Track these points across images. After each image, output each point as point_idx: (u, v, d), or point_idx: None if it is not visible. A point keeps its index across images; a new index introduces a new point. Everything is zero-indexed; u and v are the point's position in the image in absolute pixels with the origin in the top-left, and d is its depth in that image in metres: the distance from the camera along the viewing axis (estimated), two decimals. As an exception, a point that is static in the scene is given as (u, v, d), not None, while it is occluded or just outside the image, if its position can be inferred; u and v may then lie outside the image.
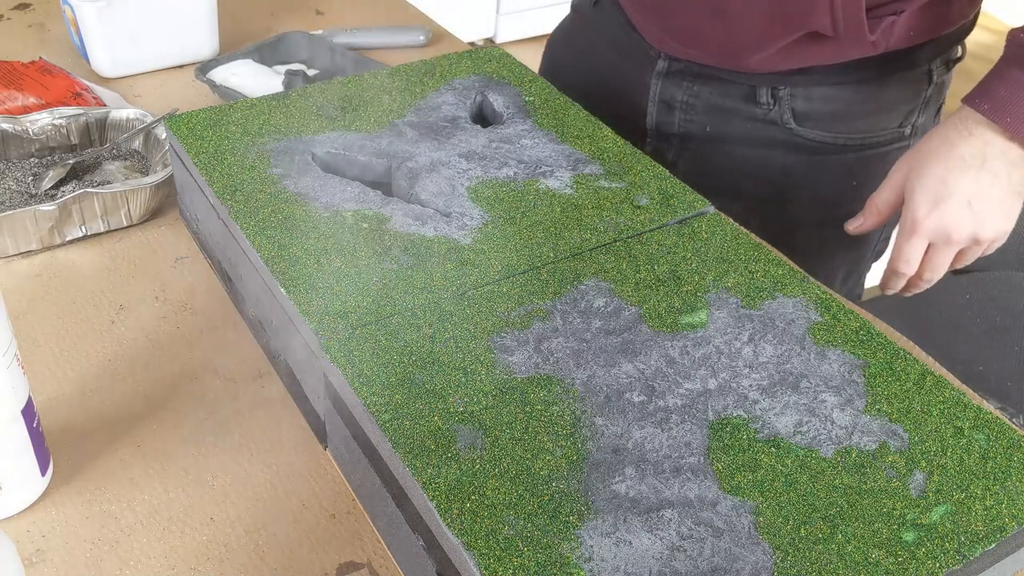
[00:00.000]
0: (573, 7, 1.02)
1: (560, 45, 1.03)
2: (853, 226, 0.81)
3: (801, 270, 0.62)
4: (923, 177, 0.74)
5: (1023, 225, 1.16)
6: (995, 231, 0.75)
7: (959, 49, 0.87)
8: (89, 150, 0.81)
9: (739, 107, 0.86)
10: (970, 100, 0.74)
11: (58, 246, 0.73)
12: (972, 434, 0.50)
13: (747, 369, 0.53)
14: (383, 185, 0.69)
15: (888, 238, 0.96)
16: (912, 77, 0.85)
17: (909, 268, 0.77)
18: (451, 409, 0.50)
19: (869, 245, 0.96)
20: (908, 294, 0.82)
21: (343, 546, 0.53)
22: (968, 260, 0.78)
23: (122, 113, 0.82)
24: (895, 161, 0.81)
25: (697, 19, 0.82)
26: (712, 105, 0.87)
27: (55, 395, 0.61)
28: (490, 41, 2.91)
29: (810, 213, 0.89)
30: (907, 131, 0.88)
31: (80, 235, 0.73)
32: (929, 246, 0.76)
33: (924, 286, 0.80)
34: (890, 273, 0.79)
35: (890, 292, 0.82)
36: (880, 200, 0.79)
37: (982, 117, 0.72)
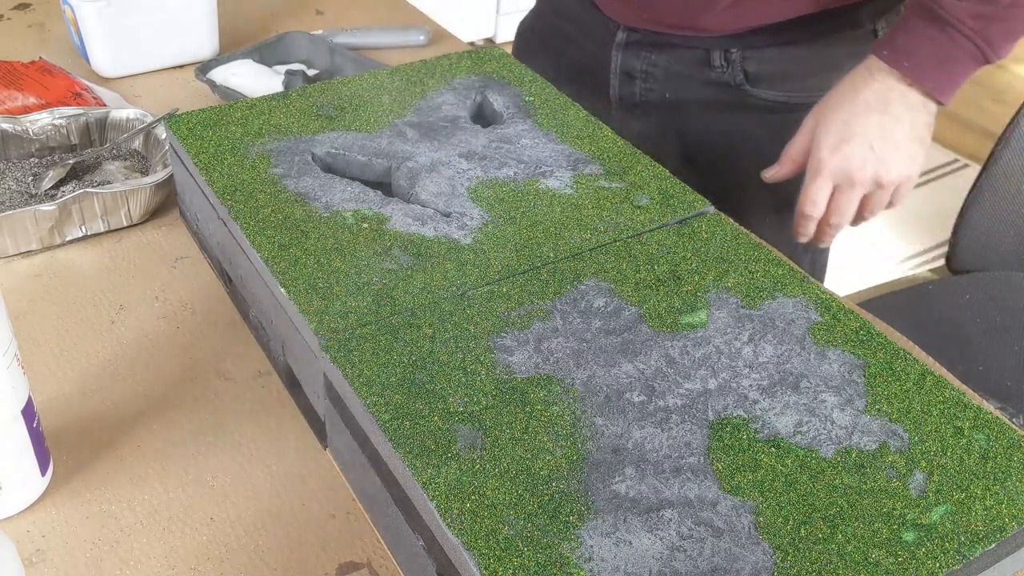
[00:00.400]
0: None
1: (527, 31, 1.08)
2: (769, 174, 0.84)
3: (801, 270, 0.62)
4: (829, 122, 0.78)
5: (1023, 225, 1.16)
6: (898, 174, 0.77)
7: (901, 8, 0.90)
8: (89, 150, 0.81)
9: (695, 72, 0.90)
10: (875, 49, 0.77)
11: (58, 246, 0.73)
12: (972, 434, 0.50)
13: (747, 369, 0.53)
14: (383, 185, 0.69)
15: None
16: (857, 36, 0.87)
17: (816, 210, 0.79)
18: (451, 409, 0.50)
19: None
20: (821, 244, 0.84)
21: (343, 546, 0.53)
22: (875, 209, 0.81)
23: (122, 113, 0.82)
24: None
25: None
26: (670, 72, 0.91)
27: (55, 395, 0.61)
28: (490, 41, 2.91)
29: (759, 170, 0.93)
30: None
31: (80, 235, 0.73)
32: (835, 190, 0.78)
33: (832, 232, 0.82)
34: (799, 216, 0.81)
35: (803, 239, 0.84)
36: (793, 149, 0.81)
37: (884, 64, 0.76)
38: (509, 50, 0.99)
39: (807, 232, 0.82)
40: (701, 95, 0.91)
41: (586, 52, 0.96)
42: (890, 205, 0.81)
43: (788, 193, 0.89)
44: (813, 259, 1.00)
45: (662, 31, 0.89)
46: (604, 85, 0.95)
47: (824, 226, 0.81)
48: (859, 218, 0.81)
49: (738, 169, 0.91)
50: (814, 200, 0.79)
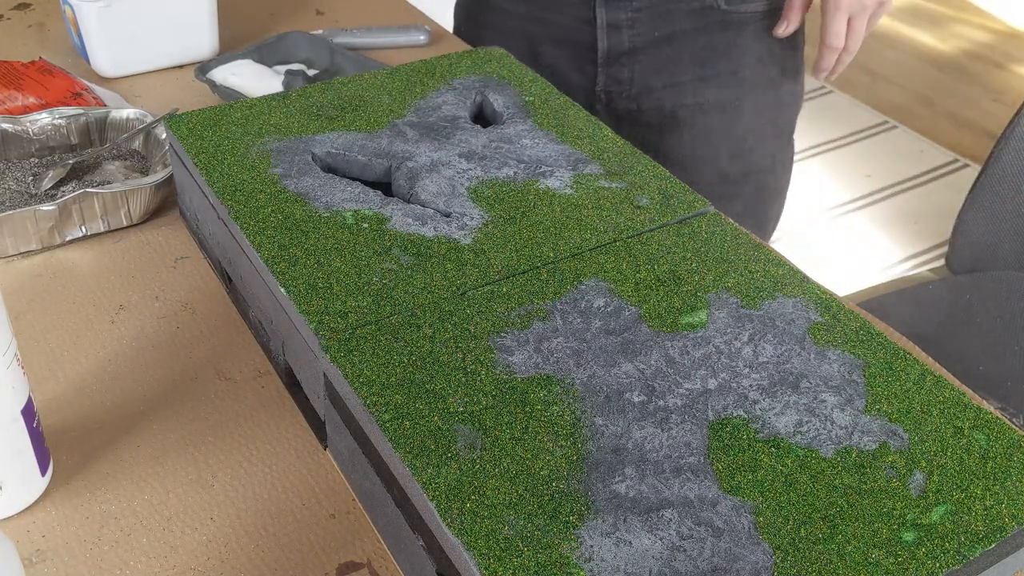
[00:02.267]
0: None
1: (471, 8, 1.11)
2: (780, 30, 0.98)
3: (801, 270, 0.62)
4: None
5: (1023, 225, 1.16)
6: None
7: None
8: (89, 150, 0.81)
9: (679, 5, 0.97)
10: None
11: (58, 246, 0.73)
12: (972, 434, 0.50)
13: (747, 369, 0.53)
14: (383, 185, 0.69)
15: (797, 111, 1.12)
16: None
17: (839, 40, 0.95)
18: (451, 409, 0.50)
19: (796, 107, 1.11)
20: (834, 75, 0.99)
21: (343, 546, 0.53)
22: (874, 25, 0.97)
23: (122, 113, 0.82)
24: (821, 17, 0.97)
25: None
26: (653, 12, 0.97)
27: (55, 395, 0.61)
28: (490, 41, 2.90)
29: (752, 84, 1.03)
30: None
31: (80, 235, 0.73)
32: (849, 20, 0.94)
33: (847, 59, 0.97)
34: (824, 50, 0.96)
35: (823, 73, 0.99)
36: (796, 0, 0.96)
37: None
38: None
39: (830, 65, 0.97)
40: (684, 26, 0.98)
41: (573, 21, 1.00)
42: (881, 13, 0.96)
43: (777, 87, 1.04)
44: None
45: None
46: (589, 43, 1.00)
47: (843, 55, 0.96)
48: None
49: (729, 77, 1.01)
50: (837, 32, 0.94)
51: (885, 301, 1.19)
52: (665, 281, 0.59)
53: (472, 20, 1.11)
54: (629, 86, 1.02)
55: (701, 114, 1.03)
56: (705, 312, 0.57)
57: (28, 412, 0.52)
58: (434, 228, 0.62)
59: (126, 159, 0.81)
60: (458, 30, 1.15)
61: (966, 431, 0.51)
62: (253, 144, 0.69)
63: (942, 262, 1.27)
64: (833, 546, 0.44)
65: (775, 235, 1.33)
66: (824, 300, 0.59)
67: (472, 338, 0.54)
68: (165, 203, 0.77)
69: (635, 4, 0.97)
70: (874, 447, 0.49)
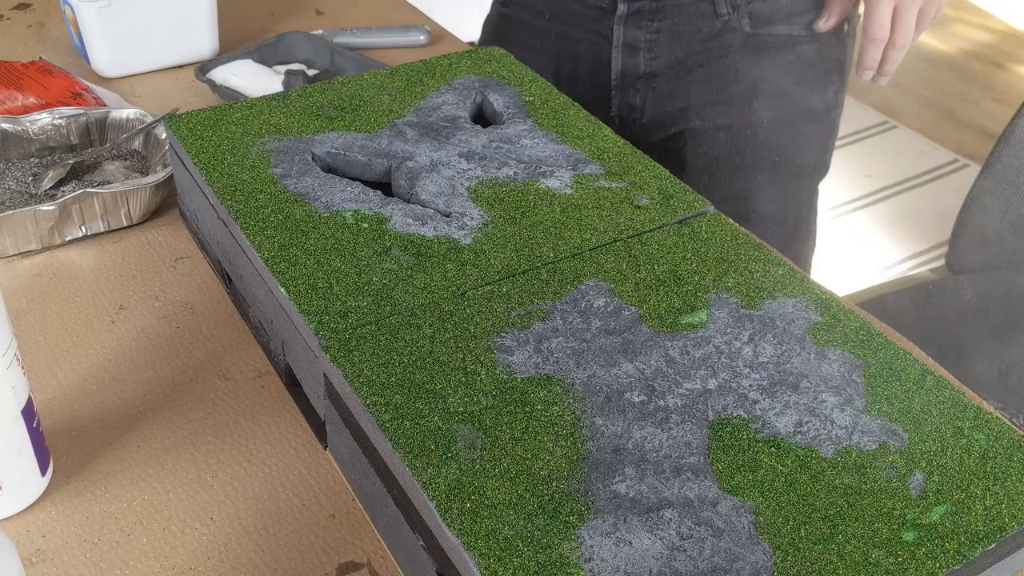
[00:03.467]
0: (502, 3, 1.04)
1: (498, 24, 1.06)
2: (821, 22, 0.90)
3: (801, 270, 0.62)
4: None
5: (1023, 225, 1.16)
6: None
7: None
8: (89, 150, 0.81)
9: (699, 25, 0.91)
10: None
11: (58, 246, 0.73)
12: (972, 434, 0.50)
13: (747, 369, 0.53)
14: (383, 185, 0.69)
15: (833, 139, 1.04)
16: None
17: (884, 31, 0.85)
18: (451, 409, 0.50)
19: (831, 140, 1.02)
20: (884, 74, 0.89)
21: (343, 546, 0.53)
22: (927, 19, 0.87)
23: (122, 113, 0.82)
24: (850, 47, 0.90)
25: None
26: (674, 33, 0.92)
27: (55, 395, 0.61)
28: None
29: (775, 113, 0.96)
30: (855, 17, 0.95)
31: (80, 235, 0.73)
32: (895, 10, 0.85)
33: (895, 57, 0.88)
34: (867, 44, 0.87)
35: (868, 71, 0.89)
36: None
37: None
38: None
39: (874, 61, 0.88)
40: (706, 49, 0.92)
41: (579, 38, 0.96)
42: (936, 14, 0.87)
43: (800, 122, 0.95)
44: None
45: None
46: (604, 63, 0.95)
47: (889, 50, 0.87)
48: (916, 33, 0.87)
49: (745, 108, 0.94)
50: (881, 22, 0.85)
51: (885, 301, 1.19)
52: (665, 281, 0.59)
53: (499, 35, 1.06)
54: (640, 114, 0.97)
55: (712, 141, 0.96)
56: (705, 312, 0.57)
57: (28, 412, 0.52)
58: (434, 228, 0.62)
59: (126, 159, 0.81)
60: (484, 45, 1.11)
61: (966, 431, 0.51)
62: (253, 144, 0.69)
63: (942, 262, 1.27)
64: (833, 546, 0.44)
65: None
66: (824, 300, 0.59)
67: (472, 338, 0.54)
68: (165, 203, 0.77)
69: (655, 24, 0.92)
70: (874, 447, 0.49)
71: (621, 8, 0.92)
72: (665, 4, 0.90)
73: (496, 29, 1.07)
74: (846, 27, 0.95)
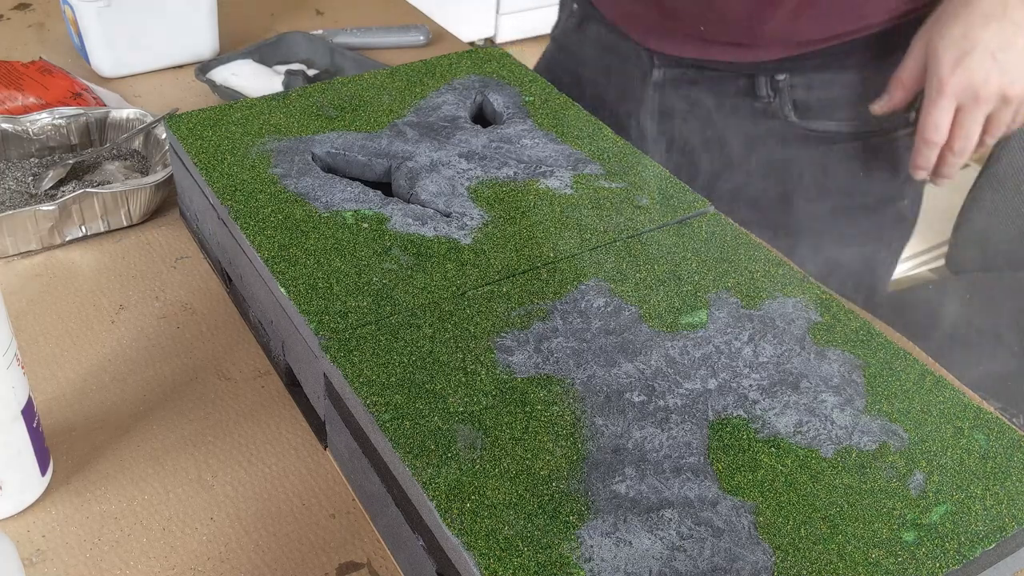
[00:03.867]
0: (554, 38, 1.00)
1: (548, 71, 1.02)
2: (879, 106, 0.79)
3: (801, 270, 0.62)
4: (944, 37, 0.72)
5: (1023, 224, 1.16)
6: (1023, 85, 0.72)
7: None
8: (89, 150, 0.81)
9: (739, 104, 0.84)
10: None
11: (58, 246, 0.73)
12: (972, 434, 0.50)
13: (747, 369, 0.53)
14: (383, 185, 0.69)
15: (906, 235, 0.93)
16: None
17: (939, 135, 0.74)
18: (451, 409, 0.50)
19: (882, 241, 0.93)
20: (942, 178, 0.78)
21: (343, 546, 0.53)
22: (1000, 128, 0.75)
23: (122, 113, 0.82)
24: (903, 149, 0.79)
25: None
26: (711, 107, 0.86)
27: (55, 395, 0.61)
28: (490, 41, 2.91)
29: (817, 207, 0.87)
30: (912, 116, 0.84)
31: (80, 235, 0.73)
32: (957, 111, 0.73)
33: (954, 162, 0.76)
34: (921, 145, 0.75)
35: (922, 173, 0.77)
36: (905, 74, 0.76)
37: None
38: (510, 50, 0.98)
39: (928, 163, 0.77)
40: (745, 129, 0.85)
41: (616, 94, 0.90)
42: (1013, 124, 0.75)
43: (838, 226, 0.85)
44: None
45: (705, 58, 0.83)
46: (639, 126, 0.90)
47: (947, 154, 0.76)
48: (982, 142, 0.76)
49: (784, 199, 0.87)
50: (937, 124, 0.73)
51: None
52: (665, 281, 0.59)
53: (551, 68, 1.02)
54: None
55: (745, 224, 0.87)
56: (705, 312, 0.57)
57: (28, 412, 0.52)
58: (434, 228, 0.62)
59: (126, 159, 0.81)
60: (541, 71, 1.05)
61: (966, 431, 0.51)
62: (253, 144, 0.69)
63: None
64: (833, 546, 0.44)
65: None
66: (824, 300, 0.59)
67: (472, 338, 0.54)
68: (165, 203, 0.77)
69: (692, 95, 0.85)
70: (874, 447, 0.49)
71: (657, 74, 0.86)
72: (703, 76, 0.84)
73: (548, 63, 1.02)
74: (913, 115, 0.84)
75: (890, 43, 0.81)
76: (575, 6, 0.95)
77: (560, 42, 0.99)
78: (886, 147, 0.85)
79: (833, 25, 0.79)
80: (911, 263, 2.21)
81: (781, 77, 0.82)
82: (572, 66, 0.96)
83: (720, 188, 0.87)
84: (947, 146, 0.75)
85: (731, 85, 0.84)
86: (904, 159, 0.85)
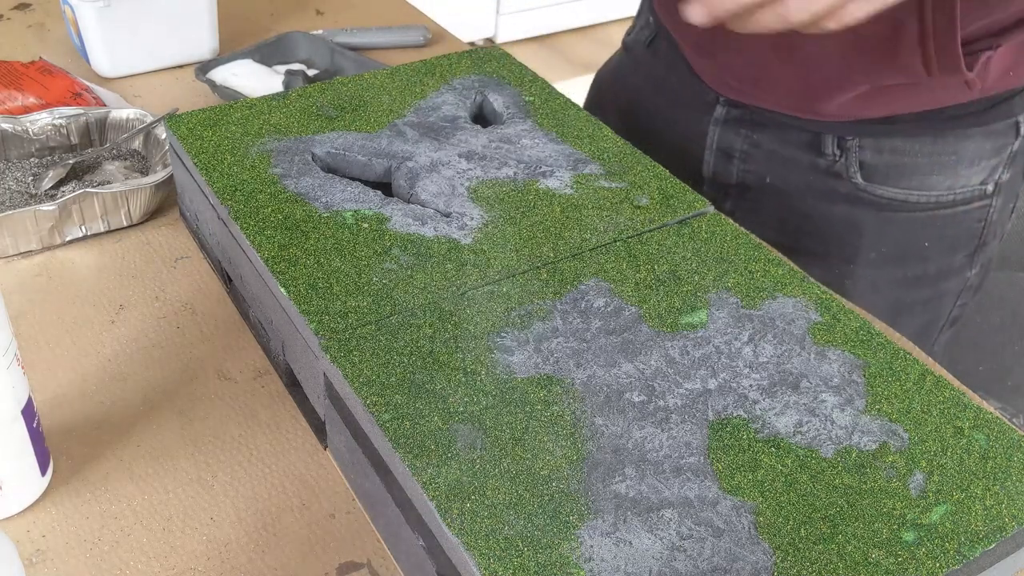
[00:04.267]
0: (625, 45, 0.97)
1: (608, 84, 0.98)
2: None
3: (801, 270, 0.62)
4: None
5: (1023, 225, 1.16)
6: None
7: None
8: (89, 150, 0.81)
9: (801, 157, 0.80)
10: None
11: (58, 246, 0.73)
12: (972, 434, 0.50)
13: (747, 369, 0.53)
14: (383, 185, 0.69)
15: (965, 303, 0.88)
16: (998, 129, 0.77)
17: None
18: (451, 409, 0.50)
19: (942, 308, 0.88)
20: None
21: (343, 546, 0.53)
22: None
23: (122, 113, 0.82)
24: (972, 222, 0.74)
25: (765, 59, 0.76)
26: (772, 154, 0.82)
27: (55, 395, 0.61)
28: (490, 41, 2.91)
29: (875, 273, 0.83)
30: (989, 188, 0.80)
31: (80, 235, 0.73)
32: None
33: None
34: None
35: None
36: None
37: None
38: (510, 50, 0.97)
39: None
40: (806, 182, 0.81)
41: (677, 122, 0.87)
42: None
43: (902, 288, 0.81)
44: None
45: (770, 109, 0.80)
46: (696, 159, 0.86)
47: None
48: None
49: (841, 260, 0.83)
50: None
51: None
52: (665, 281, 0.59)
53: (624, 75, 0.97)
54: (731, 218, 0.81)
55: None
56: (705, 312, 0.57)
57: (28, 412, 0.52)
58: (434, 228, 0.62)
59: (126, 159, 0.81)
60: (592, 106, 1.01)
61: (966, 431, 0.51)
62: (253, 144, 0.69)
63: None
64: (833, 546, 0.44)
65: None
66: (824, 300, 0.59)
67: (472, 338, 0.54)
68: (165, 203, 0.77)
69: (754, 136, 0.81)
70: (874, 447, 0.49)
71: (719, 111, 0.83)
72: (767, 118, 0.80)
73: (615, 72, 0.98)
74: (991, 187, 0.80)
75: (970, 113, 0.76)
76: (651, 19, 0.92)
77: (630, 52, 0.95)
78: (958, 218, 0.81)
79: (901, 106, 0.75)
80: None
81: (850, 138, 0.78)
82: (638, 80, 0.93)
83: (775, 236, 0.81)
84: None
85: (795, 135, 0.80)
86: (975, 232, 0.81)
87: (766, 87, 0.78)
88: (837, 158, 0.79)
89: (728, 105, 0.82)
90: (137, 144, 0.82)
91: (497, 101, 0.76)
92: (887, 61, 0.71)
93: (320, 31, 1.04)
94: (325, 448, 0.58)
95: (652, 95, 0.90)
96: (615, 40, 1.09)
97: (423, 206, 0.64)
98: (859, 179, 0.79)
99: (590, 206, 0.65)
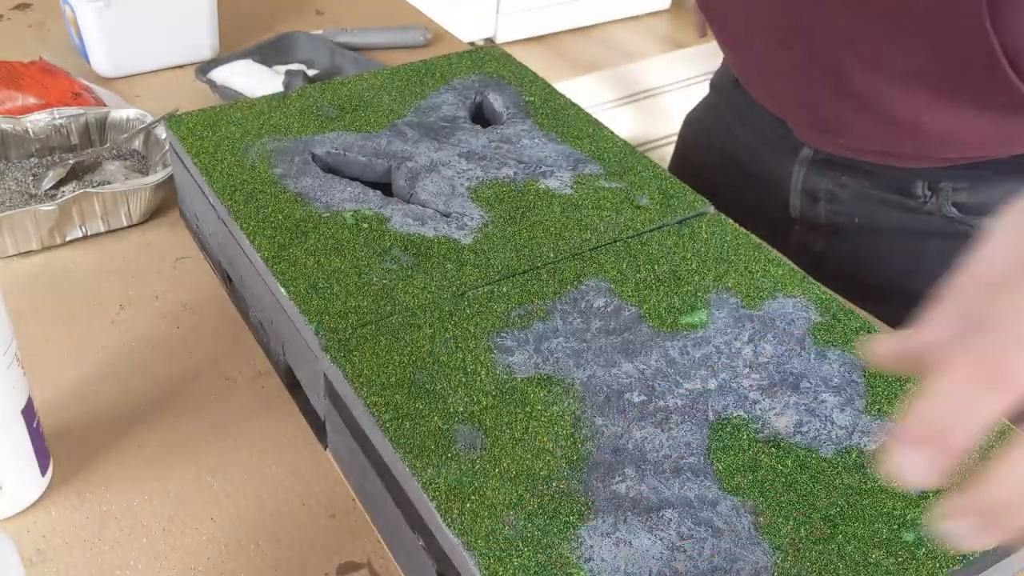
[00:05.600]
0: (712, 85, 0.95)
1: (696, 124, 0.97)
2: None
3: (801, 270, 0.62)
4: None
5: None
6: None
7: None
8: (89, 150, 0.81)
9: (891, 198, 0.77)
10: None
11: (58, 246, 0.73)
12: (972, 434, 0.50)
13: (747, 369, 0.53)
14: (383, 185, 0.69)
15: None
16: None
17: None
18: (451, 409, 0.50)
19: None
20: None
21: (343, 546, 0.53)
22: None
23: (122, 113, 0.82)
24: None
25: (850, 112, 0.73)
26: (860, 195, 0.79)
27: (55, 395, 0.61)
28: (490, 41, 2.91)
29: None
30: None
31: (80, 235, 0.73)
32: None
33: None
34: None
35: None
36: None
37: None
38: (510, 50, 0.97)
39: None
40: (897, 221, 0.78)
41: (763, 162, 0.85)
42: None
43: None
44: None
45: (858, 157, 0.77)
46: (783, 200, 0.84)
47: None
48: None
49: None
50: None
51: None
52: (665, 281, 0.59)
53: (713, 115, 0.94)
54: (820, 261, 0.82)
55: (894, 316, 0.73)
56: (705, 312, 0.57)
57: (28, 412, 0.52)
58: (434, 228, 0.62)
59: (126, 159, 0.81)
60: (682, 155, 0.98)
61: (966, 431, 0.50)
62: (253, 144, 0.69)
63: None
64: (833, 546, 0.44)
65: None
66: (824, 300, 0.59)
67: (472, 338, 0.54)
68: (165, 203, 0.77)
69: (841, 178, 0.78)
70: (874, 447, 0.49)
71: (805, 152, 0.80)
72: (852, 162, 0.78)
73: (705, 111, 0.95)
74: None
75: None
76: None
77: (718, 90, 0.94)
78: None
79: (988, 152, 0.71)
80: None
81: (942, 182, 0.75)
82: (727, 117, 0.91)
83: (870, 276, 0.79)
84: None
85: (884, 179, 0.77)
86: None
87: (853, 137, 0.76)
88: (927, 199, 0.76)
89: (813, 148, 0.80)
90: (137, 144, 0.82)
91: (497, 101, 0.76)
92: (969, 97, 0.67)
93: (320, 31, 1.04)
94: (325, 448, 0.58)
95: (737, 134, 0.89)
96: (615, 40, 1.08)
97: (423, 206, 0.64)
98: (954, 213, 0.75)
99: (590, 206, 0.65)
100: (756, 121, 0.86)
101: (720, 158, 0.90)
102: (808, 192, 0.82)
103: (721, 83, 0.93)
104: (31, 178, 0.77)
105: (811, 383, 0.53)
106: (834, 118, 0.75)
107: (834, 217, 0.81)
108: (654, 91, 2.76)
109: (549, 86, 0.79)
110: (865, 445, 0.49)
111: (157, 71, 0.98)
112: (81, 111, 0.81)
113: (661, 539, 0.44)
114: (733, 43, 0.83)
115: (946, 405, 0.34)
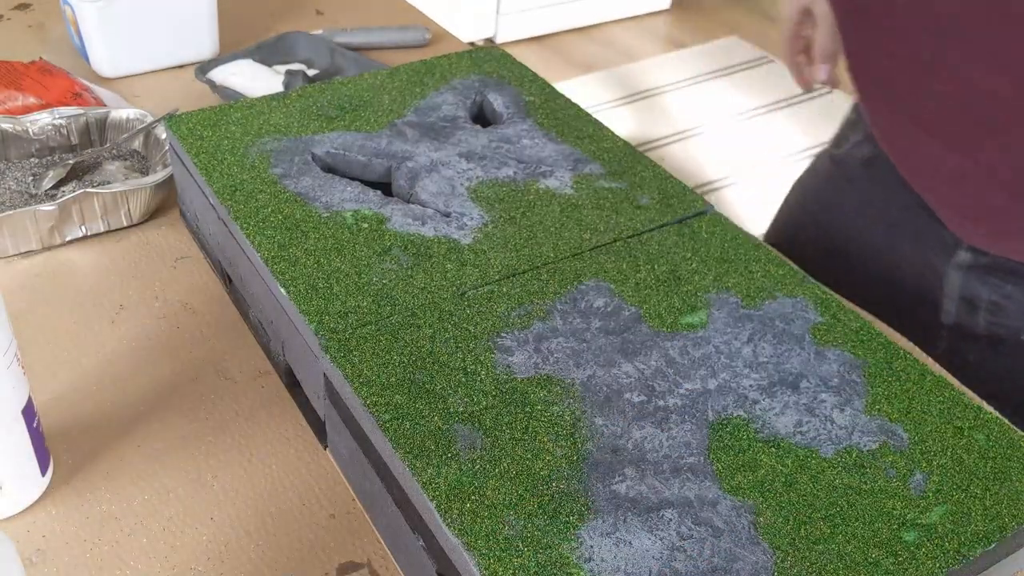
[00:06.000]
0: (833, 158, 0.84)
1: (812, 196, 0.87)
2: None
3: (801, 270, 0.62)
4: None
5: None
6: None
7: None
8: (89, 150, 0.81)
9: None
10: None
11: (58, 246, 0.73)
12: (972, 434, 0.50)
13: (747, 369, 0.53)
14: (383, 185, 0.69)
15: None
16: None
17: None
18: (451, 409, 0.50)
19: None
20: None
21: (343, 546, 0.53)
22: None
23: (122, 113, 0.82)
24: None
25: (1005, 207, 0.66)
26: None
27: (55, 395, 0.61)
28: (490, 41, 2.91)
29: None
30: None
31: (80, 235, 0.73)
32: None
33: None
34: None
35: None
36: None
37: None
38: (510, 50, 0.97)
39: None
40: None
41: (903, 257, 0.76)
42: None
43: None
44: None
45: (1005, 256, 0.69)
46: (929, 304, 0.75)
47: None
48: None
49: None
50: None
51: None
52: (665, 281, 0.59)
53: (828, 193, 0.85)
54: (974, 371, 0.70)
55: None
56: (705, 312, 0.57)
57: (28, 412, 0.52)
58: (434, 228, 0.62)
59: (126, 159, 0.81)
60: (788, 210, 0.90)
61: (966, 431, 0.51)
62: (253, 144, 0.69)
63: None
64: (833, 546, 0.44)
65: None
66: (824, 300, 0.59)
67: (472, 338, 0.54)
68: (165, 203, 0.77)
69: (1007, 288, 0.70)
70: (874, 447, 0.49)
71: (964, 256, 0.71)
72: (1019, 267, 0.69)
73: (815, 186, 0.86)
74: None
75: None
76: (869, 134, 0.78)
77: (841, 167, 0.83)
78: None
79: None
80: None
81: None
82: (849, 201, 0.81)
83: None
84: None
85: None
86: None
87: (1014, 238, 0.69)
88: None
89: (974, 251, 0.71)
90: (137, 144, 0.82)
91: (497, 101, 0.76)
92: None
93: (320, 31, 1.04)
94: (325, 448, 0.58)
95: (865, 221, 0.80)
96: (615, 40, 1.08)
97: (423, 206, 0.64)
98: None
99: (590, 206, 0.65)
100: (891, 212, 0.77)
101: (833, 239, 0.81)
102: (967, 300, 0.73)
103: (847, 161, 0.82)
104: (31, 178, 0.77)
105: (811, 383, 0.53)
106: (1008, 218, 0.67)
107: (996, 329, 0.73)
108: (654, 91, 2.75)
109: (549, 86, 0.79)
110: (865, 445, 0.49)
111: (157, 71, 0.98)
112: (81, 111, 0.81)
113: (661, 539, 0.44)
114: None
115: None
